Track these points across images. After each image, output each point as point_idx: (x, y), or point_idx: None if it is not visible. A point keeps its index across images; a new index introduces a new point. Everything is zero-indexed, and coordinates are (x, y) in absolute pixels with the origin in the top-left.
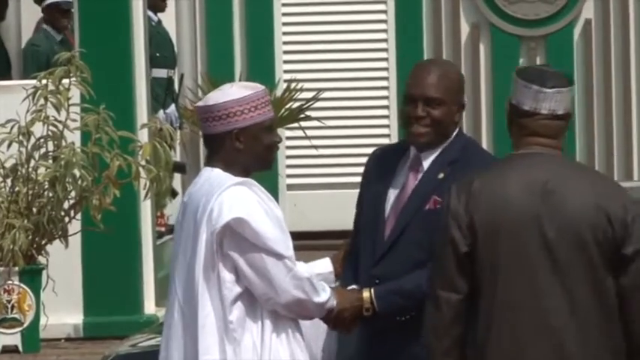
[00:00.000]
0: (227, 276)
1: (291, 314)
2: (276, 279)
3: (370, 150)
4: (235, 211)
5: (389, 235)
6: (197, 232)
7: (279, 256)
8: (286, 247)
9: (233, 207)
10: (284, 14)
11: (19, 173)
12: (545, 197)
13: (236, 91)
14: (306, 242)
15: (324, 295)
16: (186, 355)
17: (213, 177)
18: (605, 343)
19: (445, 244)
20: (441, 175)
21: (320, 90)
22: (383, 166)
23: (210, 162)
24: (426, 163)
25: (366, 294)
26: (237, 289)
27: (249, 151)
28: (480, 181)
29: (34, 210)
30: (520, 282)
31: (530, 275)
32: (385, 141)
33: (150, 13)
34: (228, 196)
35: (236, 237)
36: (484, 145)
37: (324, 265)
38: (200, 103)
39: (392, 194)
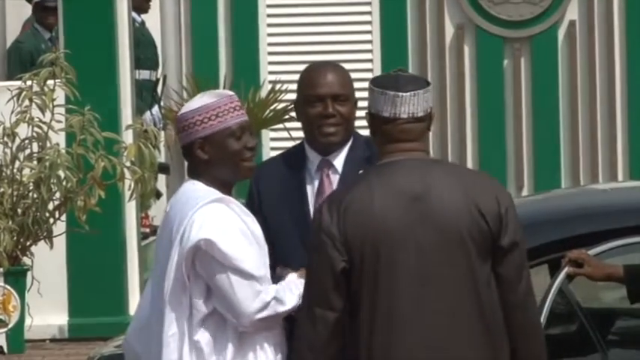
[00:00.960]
0: (198, 296)
1: (263, 330)
2: (241, 301)
3: None
4: (204, 232)
5: None
6: (169, 253)
7: (247, 277)
8: (257, 267)
9: (202, 227)
10: (269, 15)
11: (3, 174)
12: (414, 204)
13: (198, 100)
14: None
15: (291, 298)
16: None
17: (191, 192)
18: (485, 345)
19: (321, 263)
20: (362, 172)
21: None
22: (273, 184)
23: (190, 174)
24: (338, 163)
25: None
26: (206, 310)
27: (216, 161)
28: (349, 197)
29: (19, 211)
30: (401, 293)
31: (409, 285)
32: None
33: (134, 15)
34: (199, 215)
35: (206, 257)
36: (469, 145)
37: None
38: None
39: (308, 204)
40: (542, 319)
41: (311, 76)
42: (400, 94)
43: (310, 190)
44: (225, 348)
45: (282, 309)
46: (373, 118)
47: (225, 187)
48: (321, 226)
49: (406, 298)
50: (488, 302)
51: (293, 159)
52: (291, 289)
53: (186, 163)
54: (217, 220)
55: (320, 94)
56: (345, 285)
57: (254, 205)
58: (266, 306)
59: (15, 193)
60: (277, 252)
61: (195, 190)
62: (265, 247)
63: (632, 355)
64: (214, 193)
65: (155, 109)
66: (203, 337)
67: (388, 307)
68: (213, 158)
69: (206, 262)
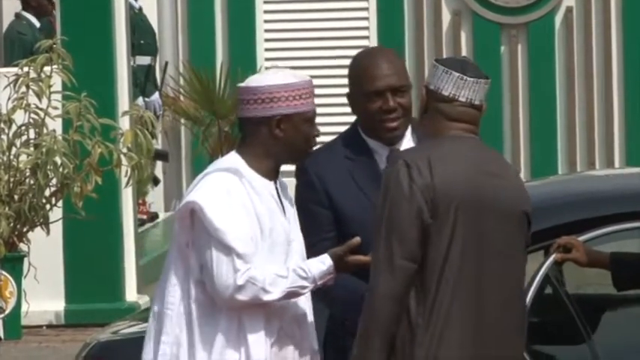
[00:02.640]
0: (195, 263)
1: (248, 309)
2: (216, 276)
3: None
4: (198, 196)
5: None
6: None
7: (228, 250)
8: (244, 243)
9: (199, 191)
10: (265, 2)
11: (0, 161)
12: (492, 180)
13: (283, 76)
14: None
15: (276, 291)
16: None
17: (219, 161)
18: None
19: (409, 213)
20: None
21: None
22: (342, 176)
23: (239, 147)
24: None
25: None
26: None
27: (288, 141)
28: (436, 157)
29: (16, 197)
30: (484, 259)
31: (492, 254)
32: None
33: (131, 1)
34: (203, 181)
35: (199, 222)
36: None
37: (318, 262)
38: (241, 84)
39: None
40: (528, 303)
41: (366, 68)
42: (465, 77)
43: None
44: (217, 321)
45: (265, 297)
46: (431, 94)
47: (277, 167)
48: (412, 177)
49: (475, 267)
50: (521, 279)
51: (355, 149)
52: (295, 278)
53: (184, 149)
54: (215, 187)
55: (378, 89)
56: (425, 240)
57: (317, 196)
58: (243, 288)
59: (12, 179)
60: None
61: (224, 160)
62: (264, 230)
63: (617, 341)
64: (234, 163)
65: (155, 95)
66: (198, 308)
67: (468, 270)
68: (286, 137)
69: (198, 227)
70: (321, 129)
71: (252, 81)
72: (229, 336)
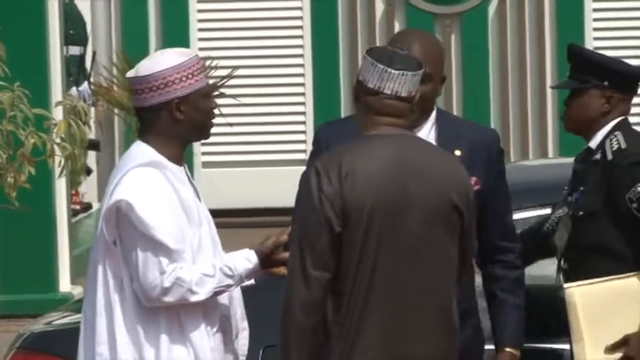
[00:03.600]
0: (124, 263)
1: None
2: (142, 276)
3: (287, 128)
4: (125, 194)
5: None
6: (100, 216)
7: (159, 248)
8: (175, 239)
9: (126, 189)
10: None
11: None
12: (411, 178)
13: (171, 58)
14: (222, 220)
15: (202, 292)
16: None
17: (133, 154)
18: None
19: (319, 224)
20: (458, 153)
21: (235, 67)
22: None
23: (142, 136)
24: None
25: None
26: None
27: (190, 121)
28: (348, 163)
29: None
30: (400, 261)
31: (409, 254)
32: (300, 119)
33: None
34: (127, 177)
35: (125, 220)
36: None
37: (244, 260)
38: (131, 74)
39: None
40: None
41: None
42: (389, 70)
43: None
44: (157, 322)
45: (192, 298)
46: (360, 85)
47: (183, 148)
48: (320, 186)
49: (404, 268)
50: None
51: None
52: (221, 277)
53: (118, 138)
54: (142, 183)
55: None
56: (338, 248)
57: None
58: (169, 290)
59: None
60: None
61: (138, 152)
62: (198, 220)
63: None
64: (152, 155)
65: (84, 85)
66: (133, 307)
67: (385, 275)
68: (187, 118)
69: (124, 225)
70: (257, 118)
71: (142, 69)
72: (172, 334)
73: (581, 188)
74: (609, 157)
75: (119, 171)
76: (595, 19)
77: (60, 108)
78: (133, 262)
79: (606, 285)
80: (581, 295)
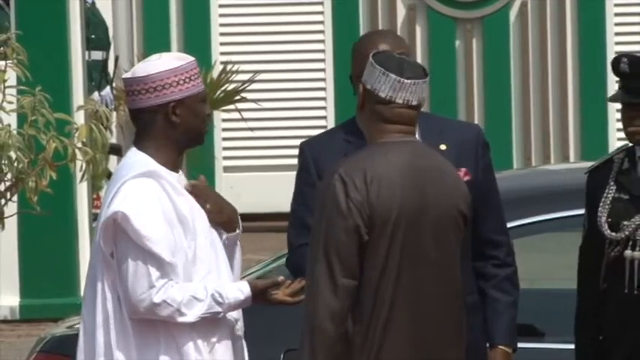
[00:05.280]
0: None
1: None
2: (132, 287)
3: (308, 132)
4: (122, 205)
5: None
6: (98, 228)
7: (153, 261)
8: (171, 252)
9: (123, 200)
10: None
11: None
12: (429, 188)
13: (168, 61)
14: (243, 224)
15: (189, 315)
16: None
17: (130, 163)
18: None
19: (347, 231)
20: (443, 147)
21: (256, 72)
22: (339, 159)
23: (138, 142)
24: None
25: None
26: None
27: (186, 125)
28: (371, 169)
29: None
30: (421, 268)
31: (429, 261)
32: (321, 123)
33: None
34: (124, 188)
35: (120, 231)
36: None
37: (236, 290)
38: (127, 75)
39: None
40: None
41: (364, 47)
42: (402, 80)
43: None
44: (156, 333)
45: (179, 319)
46: (368, 94)
47: (180, 154)
48: (347, 193)
49: (413, 278)
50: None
51: (352, 134)
52: (211, 303)
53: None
54: (139, 195)
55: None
56: (363, 256)
57: (314, 183)
58: (158, 306)
59: None
60: None
61: (135, 161)
62: (195, 230)
63: None
64: (149, 165)
65: (107, 89)
66: (131, 325)
67: (408, 281)
68: (183, 122)
69: (120, 237)
70: (278, 122)
71: (139, 70)
72: (170, 352)
73: None
74: None
75: (116, 182)
76: (617, 24)
77: (81, 112)
78: (124, 273)
79: None
80: None
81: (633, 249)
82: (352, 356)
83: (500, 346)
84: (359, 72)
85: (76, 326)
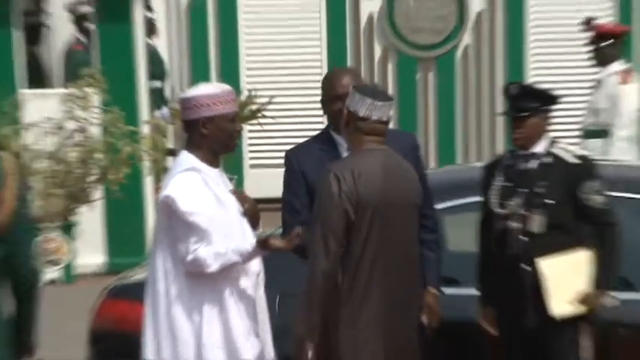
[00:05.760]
0: (174, 244)
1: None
2: (178, 250)
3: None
4: (170, 191)
5: None
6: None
7: (193, 230)
8: (208, 221)
9: (171, 187)
10: (247, 40)
11: (56, 156)
12: (399, 182)
13: (207, 88)
14: (266, 211)
15: (214, 265)
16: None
17: (180, 161)
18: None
19: (339, 209)
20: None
21: (273, 96)
22: (314, 163)
23: (187, 146)
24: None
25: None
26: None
27: (214, 137)
28: (357, 167)
29: (68, 183)
30: (395, 242)
31: (399, 237)
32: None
33: (147, 40)
34: (174, 179)
35: (171, 211)
36: None
37: (247, 244)
38: (182, 95)
39: None
40: None
41: (330, 80)
42: (375, 102)
43: None
44: (201, 283)
45: (206, 270)
46: (351, 114)
47: (215, 157)
48: (340, 186)
49: (388, 250)
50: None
51: (325, 143)
52: (231, 255)
53: None
54: (183, 183)
55: (338, 94)
56: (349, 231)
57: (298, 179)
58: (190, 263)
59: (64, 170)
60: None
61: (183, 160)
62: (228, 210)
63: None
64: (192, 162)
65: (165, 109)
66: (183, 278)
67: (373, 255)
68: (211, 134)
69: (170, 213)
70: (289, 132)
71: (188, 92)
72: (211, 294)
73: (544, 183)
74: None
75: (170, 175)
76: (533, 62)
77: (146, 126)
78: (174, 240)
79: (564, 258)
80: (547, 266)
81: (514, 221)
82: (340, 303)
83: (432, 289)
84: (326, 98)
85: (134, 278)
